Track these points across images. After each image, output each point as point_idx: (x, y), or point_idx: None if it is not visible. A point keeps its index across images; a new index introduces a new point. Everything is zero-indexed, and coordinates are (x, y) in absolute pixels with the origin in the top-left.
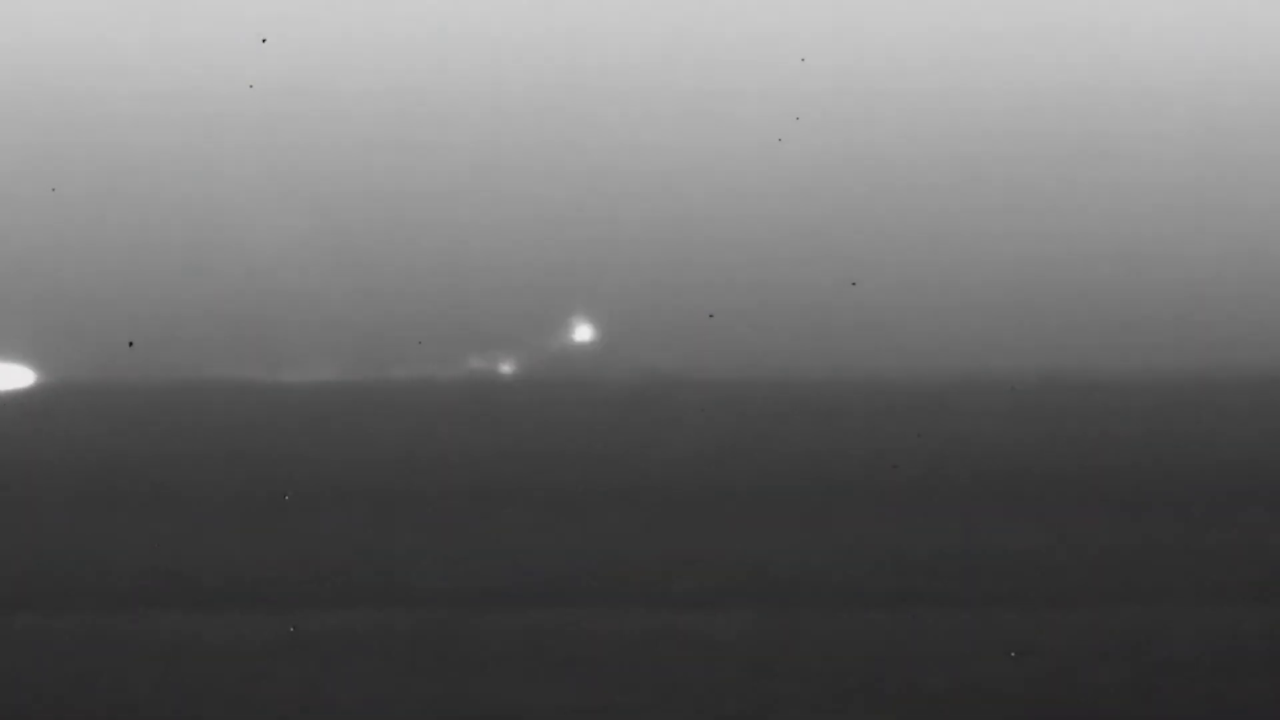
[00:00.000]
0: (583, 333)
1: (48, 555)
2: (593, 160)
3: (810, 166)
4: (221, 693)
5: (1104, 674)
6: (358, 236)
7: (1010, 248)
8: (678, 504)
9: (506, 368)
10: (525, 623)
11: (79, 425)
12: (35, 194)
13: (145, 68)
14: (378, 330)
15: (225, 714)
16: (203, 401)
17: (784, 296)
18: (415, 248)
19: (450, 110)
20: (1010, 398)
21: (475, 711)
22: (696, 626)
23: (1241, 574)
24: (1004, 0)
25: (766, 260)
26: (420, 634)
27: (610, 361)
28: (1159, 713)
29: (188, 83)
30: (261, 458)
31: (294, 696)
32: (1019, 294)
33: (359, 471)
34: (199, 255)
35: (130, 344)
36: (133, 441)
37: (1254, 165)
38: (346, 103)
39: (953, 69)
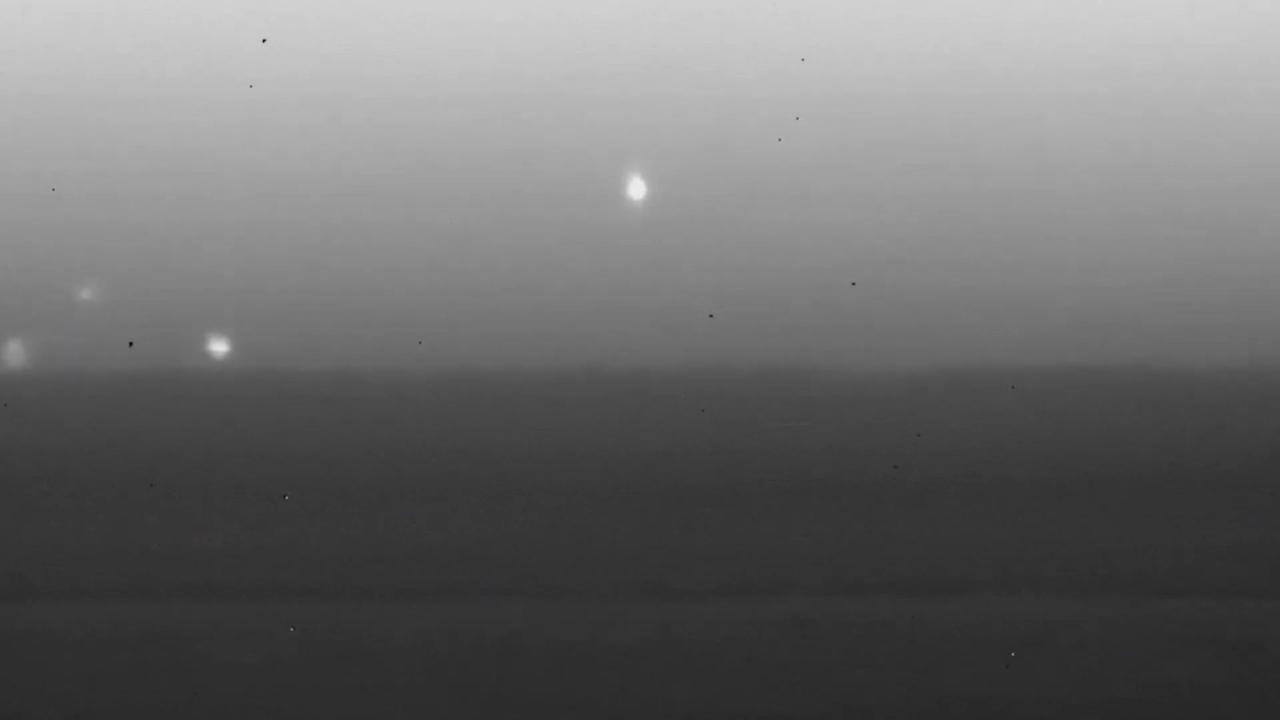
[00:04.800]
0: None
1: (47, 549)
2: (592, 160)
3: (810, 166)
4: (221, 690)
5: (1105, 672)
6: (358, 235)
7: (1011, 247)
8: (676, 501)
9: (508, 365)
10: (526, 618)
11: (78, 422)
12: (35, 194)
13: (145, 67)
14: (379, 328)
15: (226, 712)
16: (200, 398)
17: (784, 296)
18: (416, 246)
19: (449, 110)
20: (1011, 395)
21: (476, 710)
22: (692, 623)
23: (1243, 572)
24: (1003, 0)
25: (767, 260)
26: (420, 631)
27: (610, 359)
28: (1160, 711)
29: (188, 82)
30: (261, 454)
31: (294, 695)
32: (1020, 292)
33: (360, 468)
34: (199, 254)
35: (130, 344)
36: (132, 437)
37: (1255, 161)
38: (347, 102)
39: (953, 68)
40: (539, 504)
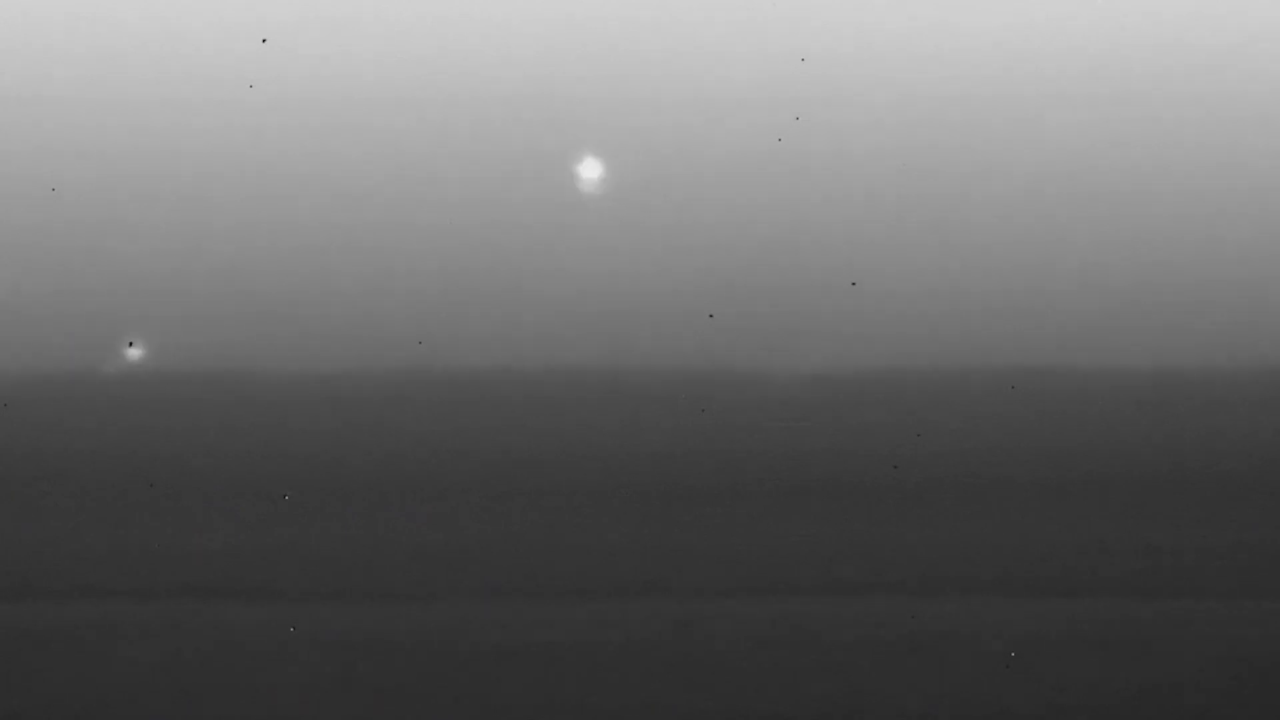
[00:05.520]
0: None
1: (47, 549)
2: (592, 160)
3: (810, 166)
4: (221, 690)
5: (1106, 672)
6: (358, 235)
7: (1010, 246)
8: (676, 501)
9: (508, 364)
10: (527, 618)
11: (79, 422)
12: (35, 194)
13: (145, 67)
14: (379, 328)
15: (226, 712)
16: (201, 399)
17: (784, 296)
18: (416, 246)
19: (450, 110)
20: (1011, 395)
21: (476, 710)
22: (692, 623)
23: (1243, 572)
24: None
25: (767, 260)
26: (420, 631)
27: (610, 359)
28: (1160, 711)
29: (188, 82)
30: (261, 454)
31: (294, 695)
32: (1020, 292)
33: (360, 468)
34: (199, 254)
35: (130, 344)
36: (132, 438)
37: (1256, 161)
38: (348, 102)
39: (954, 68)
40: (539, 504)
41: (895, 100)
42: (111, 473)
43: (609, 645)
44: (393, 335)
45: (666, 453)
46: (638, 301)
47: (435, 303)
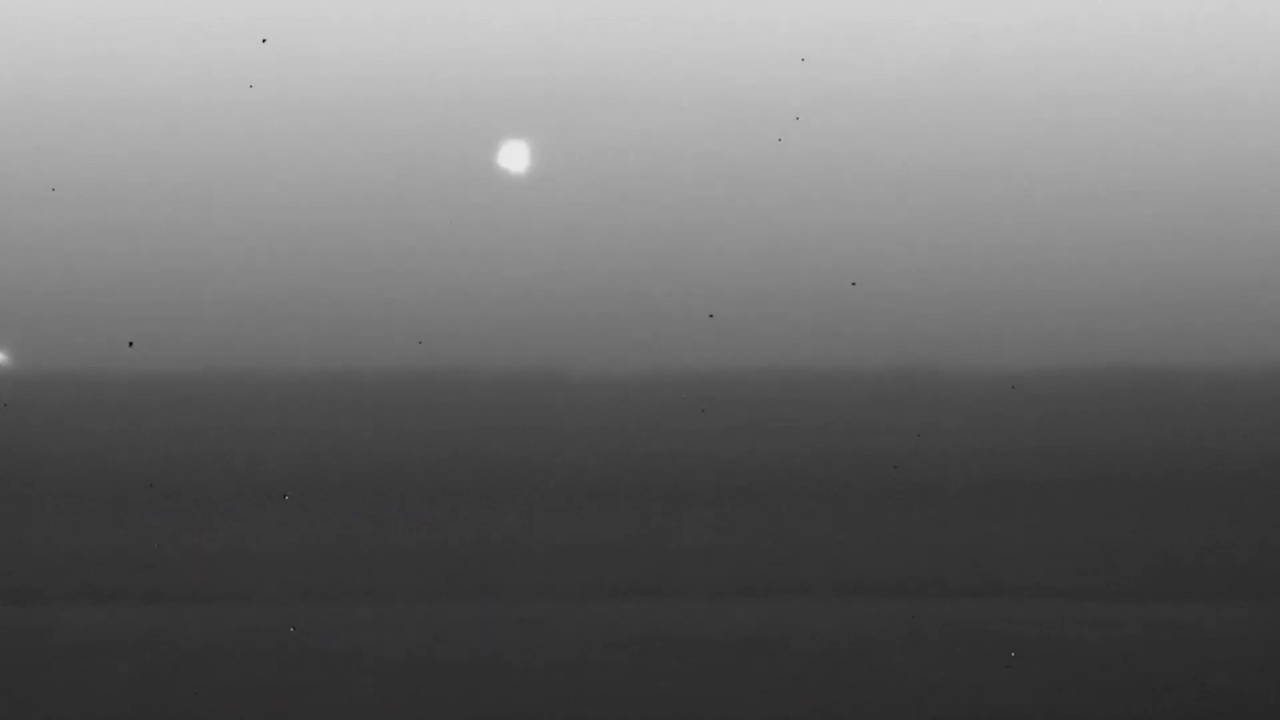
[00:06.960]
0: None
1: (47, 551)
2: (591, 160)
3: (810, 166)
4: (221, 690)
5: (1106, 673)
6: (358, 235)
7: (1011, 246)
8: (676, 501)
9: (509, 365)
10: (524, 618)
11: (78, 422)
12: (35, 194)
13: (145, 67)
14: (379, 328)
15: (225, 713)
16: (202, 399)
17: (784, 296)
18: (416, 246)
19: (451, 110)
20: (1011, 395)
21: (476, 710)
22: (692, 623)
23: (1244, 572)
24: None
25: (767, 260)
26: (421, 632)
27: (611, 359)
28: (1159, 711)
29: (188, 82)
30: (261, 454)
31: (294, 695)
32: (1020, 292)
33: (360, 468)
34: (199, 254)
35: (130, 344)
36: (132, 438)
37: (1256, 160)
38: (348, 102)
39: (955, 68)
40: (539, 504)
41: (895, 100)
42: (111, 473)
43: (609, 645)
44: (393, 335)
45: (666, 453)
46: (638, 302)
47: (435, 303)
